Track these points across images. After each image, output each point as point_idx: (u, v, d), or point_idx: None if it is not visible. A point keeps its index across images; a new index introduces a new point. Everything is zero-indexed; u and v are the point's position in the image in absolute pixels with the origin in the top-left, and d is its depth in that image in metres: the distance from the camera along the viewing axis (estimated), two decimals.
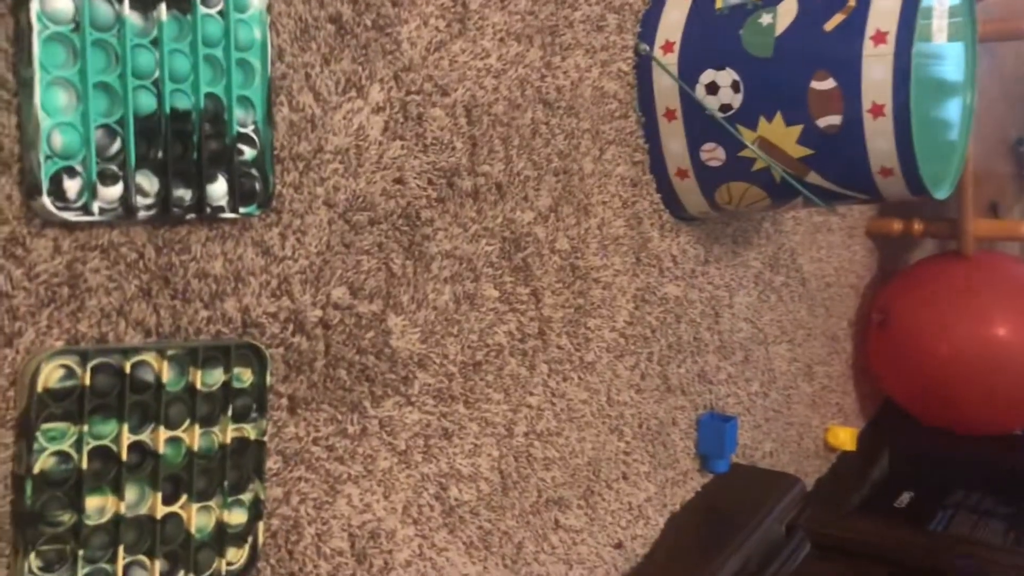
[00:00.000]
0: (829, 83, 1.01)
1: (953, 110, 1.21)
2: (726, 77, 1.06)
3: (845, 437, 1.70)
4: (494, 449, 0.94)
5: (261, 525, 0.70)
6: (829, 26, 1.02)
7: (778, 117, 1.04)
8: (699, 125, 1.09)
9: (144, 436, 0.63)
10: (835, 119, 1.02)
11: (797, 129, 1.04)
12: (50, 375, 0.58)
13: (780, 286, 1.47)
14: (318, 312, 0.76)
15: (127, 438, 0.61)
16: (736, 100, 1.06)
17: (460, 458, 0.90)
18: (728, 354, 1.34)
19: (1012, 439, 1.86)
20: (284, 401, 0.74)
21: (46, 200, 0.56)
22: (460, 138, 0.87)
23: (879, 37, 0.99)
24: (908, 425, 1.90)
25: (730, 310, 1.33)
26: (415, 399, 0.85)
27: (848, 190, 1.08)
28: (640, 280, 1.13)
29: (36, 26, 0.55)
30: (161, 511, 0.63)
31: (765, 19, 1.05)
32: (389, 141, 0.80)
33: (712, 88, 1.07)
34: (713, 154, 1.10)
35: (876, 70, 0.99)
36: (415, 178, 0.83)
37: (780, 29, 1.04)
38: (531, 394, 0.98)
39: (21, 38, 0.55)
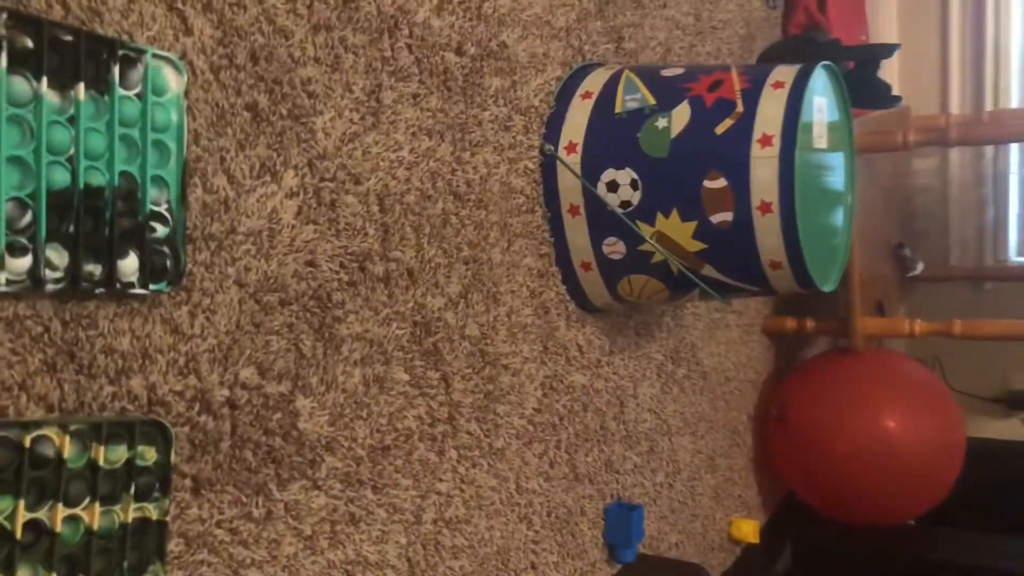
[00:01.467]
0: (721, 182, 1.08)
1: (836, 214, 1.30)
2: (625, 176, 1.12)
3: (748, 530, 1.73)
4: (402, 536, 0.93)
5: None
6: (720, 129, 1.10)
7: (674, 213, 1.10)
8: (601, 220, 1.15)
9: (41, 514, 0.61)
10: (727, 215, 1.09)
11: (692, 225, 1.10)
12: None
13: (682, 378, 1.52)
14: (225, 392, 0.76)
15: (23, 515, 0.60)
16: (635, 197, 1.12)
17: (367, 545, 0.89)
18: (634, 444, 1.36)
19: (906, 529, 1.93)
20: (188, 481, 0.72)
21: None
22: (372, 225, 0.90)
23: (765, 140, 1.08)
24: (809, 517, 1.95)
25: (635, 400, 1.37)
26: (322, 483, 0.84)
27: (741, 282, 1.15)
28: (548, 368, 1.16)
29: None
30: None
31: (661, 122, 1.12)
32: (302, 225, 0.82)
33: (613, 186, 1.13)
34: (615, 248, 1.16)
35: (763, 171, 1.07)
36: (327, 261, 0.85)
37: (675, 132, 1.11)
38: (440, 480, 0.98)
39: None
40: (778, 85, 1.12)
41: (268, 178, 0.79)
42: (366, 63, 0.90)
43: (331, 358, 0.85)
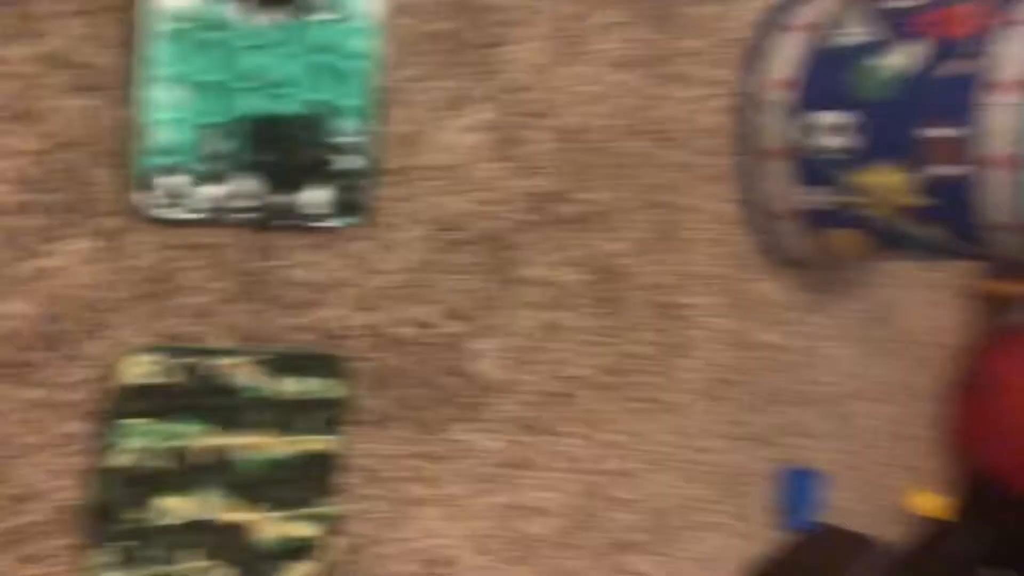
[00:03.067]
0: (948, 130, 0.96)
1: None
2: (837, 118, 1.02)
3: (935, 504, 1.61)
4: (570, 485, 0.91)
5: (331, 541, 0.68)
6: (951, 70, 0.97)
7: (891, 163, 1.00)
8: (805, 167, 1.05)
9: (222, 440, 0.62)
10: (952, 168, 0.97)
11: (911, 176, 0.99)
12: (135, 370, 0.58)
13: (879, 341, 1.40)
14: (404, 329, 0.74)
15: (205, 440, 0.61)
16: (847, 143, 1.02)
17: (534, 491, 0.87)
18: (822, 408, 1.28)
19: None
20: (363, 416, 0.72)
21: (148, 194, 0.56)
22: (560, 162, 0.85)
23: (1005, 86, 0.94)
24: (1005, 496, 1.80)
25: (824, 361, 1.28)
26: (493, 425, 0.83)
27: (962, 243, 1.03)
28: (733, 323, 1.09)
29: (152, 23, 0.56)
30: (231, 518, 0.62)
31: (884, 60, 1.00)
32: (489, 161, 0.79)
33: (822, 129, 1.03)
34: (818, 198, 1.06)
35: (1000, 119, 0.94)
36: (512, 200, 0.81)
37: (900, 71, 0.99)
38: (613, 432, 0.95)
39: (136, 32, 0.56)
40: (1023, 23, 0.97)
41: (458, 110, 0.76)
42: None
43: (509, 300, 0.83)
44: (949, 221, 1.00)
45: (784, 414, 1.20)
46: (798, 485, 1.22)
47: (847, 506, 1.39)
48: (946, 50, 0.99)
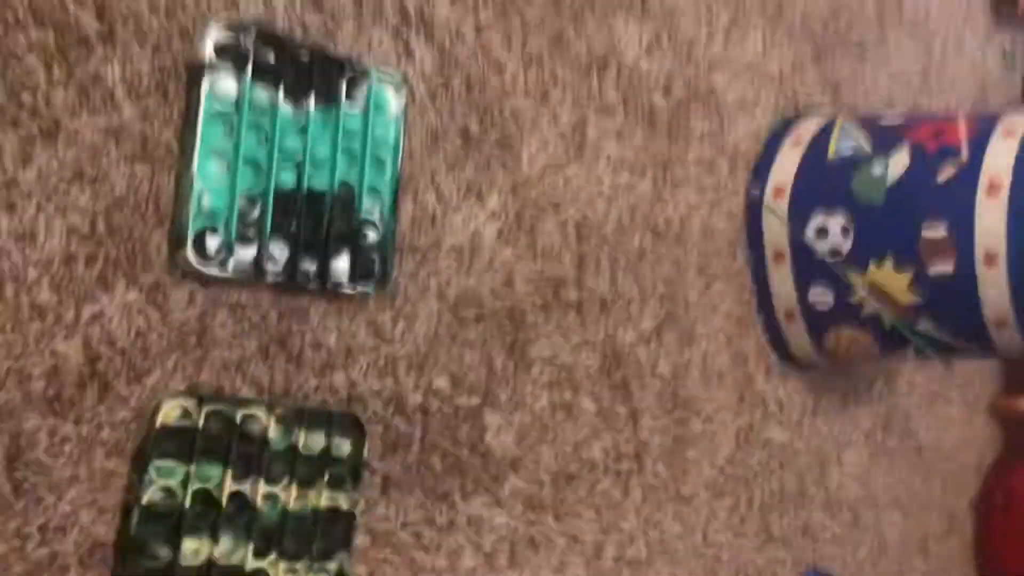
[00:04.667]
0: (941, 231, 1.02)
1: None
2: (836, 222, 1.08)
3: None
4: (581, 569, 0.92)
5: None
6: (942, 177, 1.03)
7: (888, 263, 1.05)
8: (808, 268, 1.10)
9: (245, 487, 0.65)
10: (947, 267, 1.01)
11: (908, 275, 1.04)
12: (168, 413, 0.62)
13: (893, 450, 1.41)
14: (419, 397, 0.79)
15: (229, 486, 0.64)
16: (845, 245, 1.07)
17: (545, 572, 0.89)
18: (835, 512, 1.28)
19: None
20: (377, 479, 0.75)
21: (189, 253, 0.63)
22: (569, 252, 0.91)
23: (993, 190, 1.00)
24: None
25: (838, 466, 1.29)
26: (505, 501, 0.85)
27: (961, 340, 1.06)
28: (743, 419, 1.12)
29: (204, 103, 0.64)
30: (251, 565, 0.65)
31: (877, 169, 1.07)
32: (502, 246, 0.85)
33: (822, 232, 1.08)
34: (822, 298, 1.11)
35: (989, 220, 0.99)
36: (523, 283, 0.87)
37: (892, 179, 1.06)
38: (623, 518, 0.97)
39: (190, 112, 0.64)
40: (1009, 134, 1.04)
41: (473, 199, 0.83)
42: (573, 98, 0.92)
43: (520, 377, 0.87)
44: (947, 317, 1.04)
45: (796, 515, 1.20)
46: None
47: None
48: (939, 159, 1.05)
